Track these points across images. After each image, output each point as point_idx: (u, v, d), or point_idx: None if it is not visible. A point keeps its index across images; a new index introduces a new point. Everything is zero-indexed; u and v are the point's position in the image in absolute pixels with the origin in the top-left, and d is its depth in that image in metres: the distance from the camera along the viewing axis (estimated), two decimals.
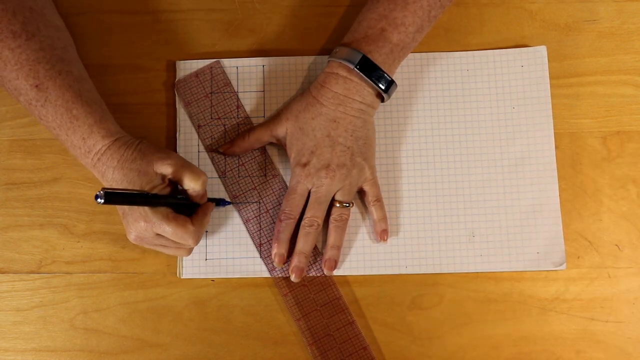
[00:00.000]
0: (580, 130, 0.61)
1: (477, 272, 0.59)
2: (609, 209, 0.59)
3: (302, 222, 0.57)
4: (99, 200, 0.46)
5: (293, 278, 0.57)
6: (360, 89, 0.56)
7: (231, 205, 0.59)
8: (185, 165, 0.53)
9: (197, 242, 0.53)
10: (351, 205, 0.58)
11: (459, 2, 0.62)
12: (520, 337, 0.58)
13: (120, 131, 0.54)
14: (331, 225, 0.57)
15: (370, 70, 0.55)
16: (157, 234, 0.52)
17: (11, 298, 0.59)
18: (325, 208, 0.57)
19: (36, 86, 0.52)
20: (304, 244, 0.57)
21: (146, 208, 0.51)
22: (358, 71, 0.55)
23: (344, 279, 0.59)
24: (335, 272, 0.58)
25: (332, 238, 0.57)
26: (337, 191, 0.57)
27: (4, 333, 0.58)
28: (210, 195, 0.58)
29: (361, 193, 0.59)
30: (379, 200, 0.58)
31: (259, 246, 0.59)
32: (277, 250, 0.57)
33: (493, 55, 0.61)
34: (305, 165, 0.56)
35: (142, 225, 0.51)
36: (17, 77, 0.52)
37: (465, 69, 0.61)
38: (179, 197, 0.54)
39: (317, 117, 0.56)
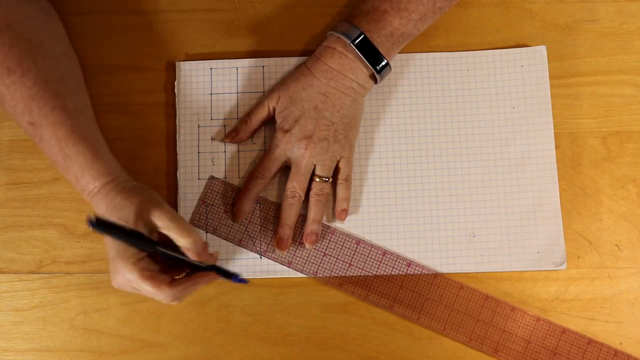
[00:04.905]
0: (580, 130, 0.61)
1: (477, 272, 0.59)
2: (609, 209, 0.59)
3: (285, 194, 0.57)
4: (90, 226, 0.46)
5: (278, 249, 0.57)
6: (355, 66, 0.56)
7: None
8: (175, 219, 0.50)
9: (175, 301, 0.50)
10: (330, 180, 0.58)
11: (459, 2, 0.62)
12: None
13: (113, 171, 0.52)
14: (312, 200, 0.58)
15: (367, 49, 0.55)
16: (135, 288, 0.51)
17: (11, 298, 0.59)
18: (306, 180, 0.57)
19: (31, 123, 0.51)
20: (287, 216, 0.57)
21: (124, 265, 0.49)
22: (354, 47, 0.55)
23: (344, 279, 0.59)
24: (336, 273, 0.58)
25: (312, 212, 0.57)
26: (317, 165, 0.57)
27: (4, 333, 0.58)
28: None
29: (334, 170, 0.58)
30: (347, 180, 0.58)
31: (260, 246, 0.59)
32: (241, 206, 0.57)
33: (493, 55, 0.61)
34: (287, 131, 0.57)
35: (120, 279, 0.50)
36: (14, 113, 0.52)
37: (465, 69, 0.61)
38: (179, 252, 0.51)
39: (307, 88, 0.57)
